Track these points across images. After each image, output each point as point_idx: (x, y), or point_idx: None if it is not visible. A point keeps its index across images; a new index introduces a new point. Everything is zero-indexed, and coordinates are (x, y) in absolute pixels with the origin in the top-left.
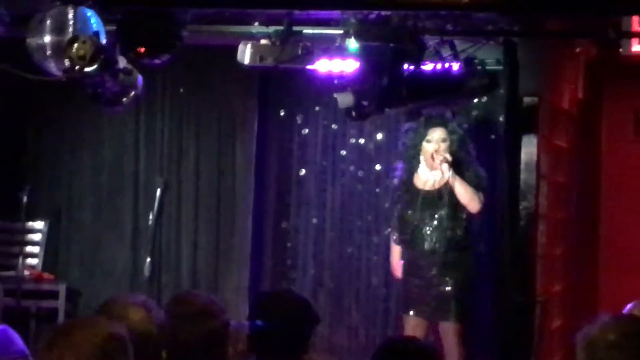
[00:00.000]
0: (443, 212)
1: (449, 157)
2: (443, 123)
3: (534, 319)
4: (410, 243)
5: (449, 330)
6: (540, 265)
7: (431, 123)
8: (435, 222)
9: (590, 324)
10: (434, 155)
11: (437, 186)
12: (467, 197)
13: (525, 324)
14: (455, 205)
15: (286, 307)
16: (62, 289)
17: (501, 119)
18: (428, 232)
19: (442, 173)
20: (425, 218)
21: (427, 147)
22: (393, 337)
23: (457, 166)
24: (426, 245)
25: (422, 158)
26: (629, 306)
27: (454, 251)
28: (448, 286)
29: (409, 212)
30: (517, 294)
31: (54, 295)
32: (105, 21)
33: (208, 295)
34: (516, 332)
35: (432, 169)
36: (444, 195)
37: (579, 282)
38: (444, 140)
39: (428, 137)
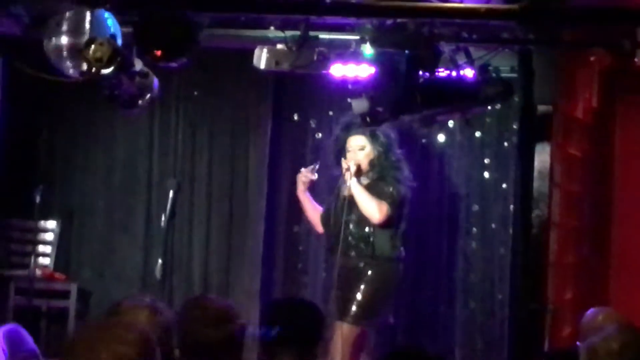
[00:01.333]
0: (350, 221)
1: (353, 166)
2: (362, 130)
3: (546, 326)
4: (330, 248)
5: (341, 329)
6: (552, 273)
7: (350, 130)
8: (346, 230)
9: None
10: (342, 162)
11: (346, 194)
12: (365, 207)
13: (537, 331)
14: (360, 214)
15: (297, 315)
16: (73, 288)
17: (515, 126)
18: (341, 239)
19: (345, 181)
20: (341, 225)
21: (345, 155)
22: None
23: (378, 175)
24: (339, 251)
25: None
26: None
27: (360, 258)
28: (351, 291)
29: (331, 217)
30: (529, 301)
31: (65, 295)
32: (122, 23)
33: (224, 299)
34: (527, 339)
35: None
36: (352, 204)
37: (590, 290)
38: (361, 148)
39: (347, 145)
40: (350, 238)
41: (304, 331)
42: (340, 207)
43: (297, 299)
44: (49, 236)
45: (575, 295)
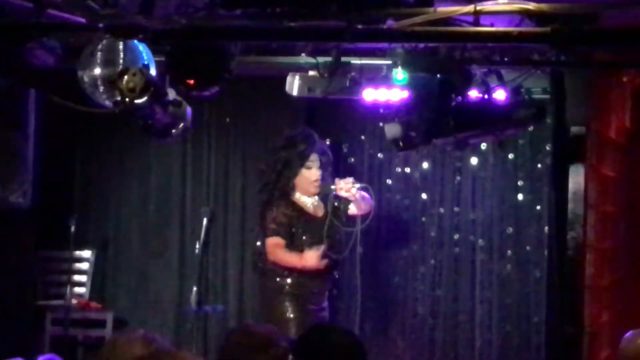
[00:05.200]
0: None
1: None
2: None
3: (583, 349)
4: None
5: None
6: (588, 296)
7: (311, 146)
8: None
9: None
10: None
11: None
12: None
13: (574, 354)
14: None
15: (334, 345)
16: (109, 317)
17: (548, 148)
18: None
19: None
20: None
21: (306, 173)
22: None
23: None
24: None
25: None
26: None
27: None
28: None
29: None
30: (566, 325)
31: (101, 324)
32: (155, 52)
33: (264, 325)
34: None
35: (311, 195)
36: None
37: (627, 312)
38: (319, 166)
39: (308, 160)
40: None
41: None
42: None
43: (335, 327)
44: (84, 265)
45: (612, 317)
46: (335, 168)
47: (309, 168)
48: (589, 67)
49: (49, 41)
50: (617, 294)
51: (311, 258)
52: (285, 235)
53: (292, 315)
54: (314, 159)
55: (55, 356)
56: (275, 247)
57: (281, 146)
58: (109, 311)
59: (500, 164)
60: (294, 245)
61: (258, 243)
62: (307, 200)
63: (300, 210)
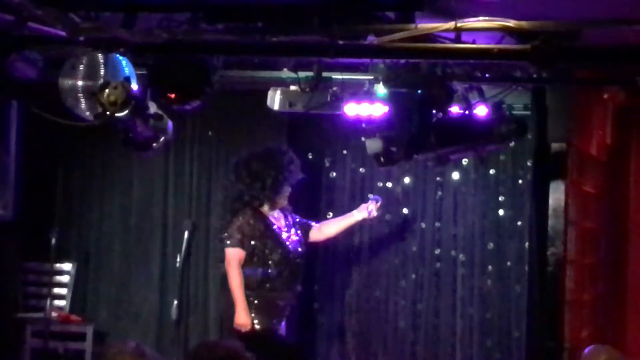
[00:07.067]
0: None
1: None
2: None
3: None
4: None
5: None
6: (568, 311)
7: (297, 166)
8: None
9: None
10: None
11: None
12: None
13: None
14: None
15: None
16: (89, 330)
17: (529, 164)
18: None
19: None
20: None
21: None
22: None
23: None
24: None
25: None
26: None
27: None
28: None
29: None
30: (546, 339)
31: (81, 337)
32: (136, 65)
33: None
34: None
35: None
36: None
37: (607, 327)
38: None
39: (292, 182)
40: None
41: None
42: None
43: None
44: (65, 278)
45: (592, 333)
46: (318, 182)
47: (290, 185)
48: (570, 84)
49: (30, 53)
50: (597, 309)
51: (240, 315)
52: (247, 248)
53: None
54: None
55: None
56: (236, 260)
57: (269, 162)
58: (89, 324)
59: (482, 179)
60: (252, 260)
61: None
62: (274, 211)
63: (265, 219)
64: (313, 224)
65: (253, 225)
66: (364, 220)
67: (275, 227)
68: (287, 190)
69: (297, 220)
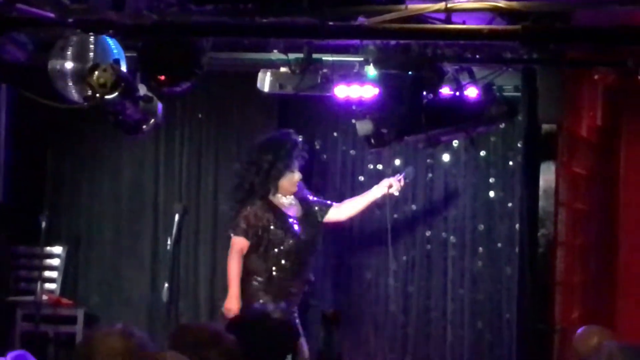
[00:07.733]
0: None
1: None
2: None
3: (554, 346)
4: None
5: None
6: (559, 292)
7: (298, 151)
8: None
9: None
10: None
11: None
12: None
13: (545, 351)
14: None
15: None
16: (80, 314)
17: (520, 145)
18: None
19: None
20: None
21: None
22: None
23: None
24: None
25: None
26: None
27: None
28: None
29: None
30: (536, 321)
31: (72, 320)
32: (126, 48)
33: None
34: (535, 358)
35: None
36: None
37: (597, 309)
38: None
39: (293, 168)
40: None
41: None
42: None
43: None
44: (55, 262)
45: (583, 314)
46: (309, 165)
47: (293, 171)
48: (561, 65)
49: (19, 36)
50: (587, 290)
51: (230, 299)
52: (252, 237)
53: None
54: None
55: (26, 352)
56: (237, 248)
57: (266, 148)
58: (80, 308)
59: (472, 161)
60: (258, 251)
61: None
62: (285, 200)
63: (275, 208)
64: (332, 203)
65: (260, 216)
66: (383, 197)
67: (286, 216)
68: (290, 175)
69: (315, 200)
